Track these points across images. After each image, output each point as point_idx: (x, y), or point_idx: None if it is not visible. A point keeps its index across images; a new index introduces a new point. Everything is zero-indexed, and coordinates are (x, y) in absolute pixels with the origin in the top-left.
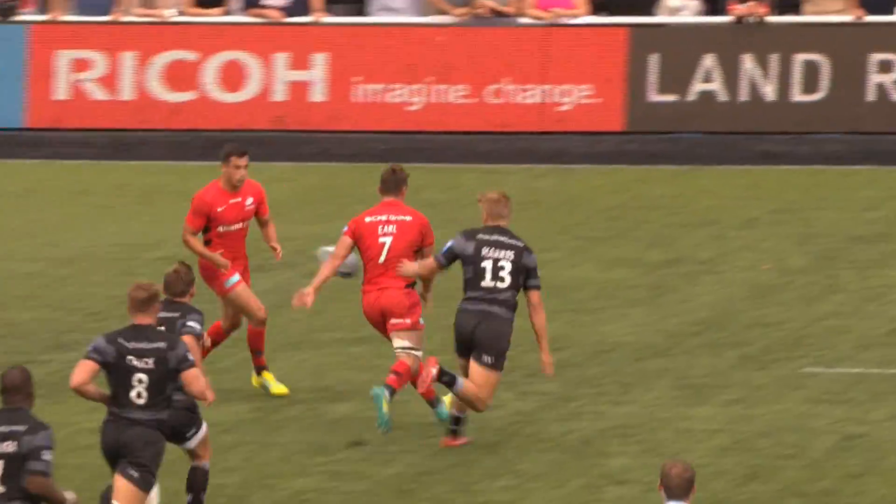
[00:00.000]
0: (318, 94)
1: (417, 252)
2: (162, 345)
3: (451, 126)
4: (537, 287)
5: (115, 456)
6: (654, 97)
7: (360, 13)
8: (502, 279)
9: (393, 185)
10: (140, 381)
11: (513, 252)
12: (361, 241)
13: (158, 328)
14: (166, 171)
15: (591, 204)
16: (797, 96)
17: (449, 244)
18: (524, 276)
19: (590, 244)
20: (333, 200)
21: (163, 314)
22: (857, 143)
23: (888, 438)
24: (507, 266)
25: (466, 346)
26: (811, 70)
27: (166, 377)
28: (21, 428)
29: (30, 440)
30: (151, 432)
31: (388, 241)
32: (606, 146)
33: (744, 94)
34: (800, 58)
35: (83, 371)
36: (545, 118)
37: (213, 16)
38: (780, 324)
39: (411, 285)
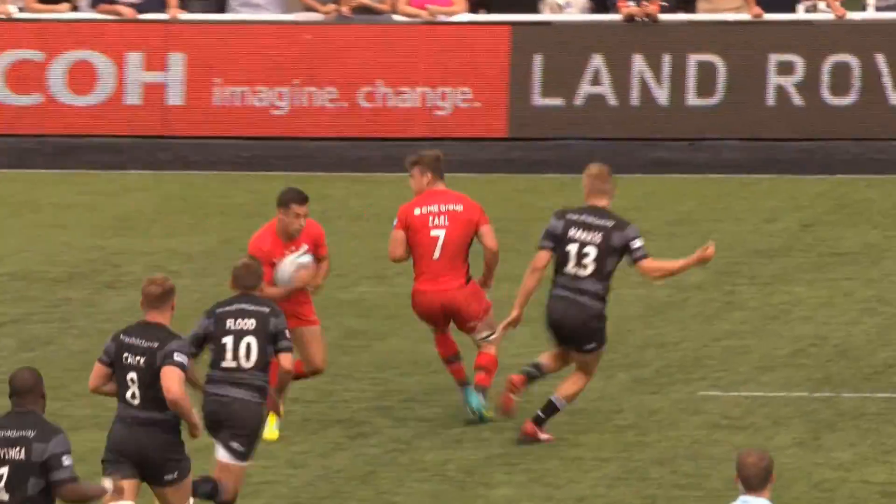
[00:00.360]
0: (175, 97)
1: (471, 242)
2: (154, 343)
3: (319, 132)
4: (641, 257)
5: (129, 458)
6: (539, 101)
7: (220, 10)
8: (584, 266)
9: (442, 171)
10: (133, 381)
11: (600, 234)
12: (411, 235)
13: (166, 327)
14: (10, 180)
15: None
16: (692, 100)
17: (545, 228)
18: (617, 257)
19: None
20: (193, 211)
21: (249, 307)
22: (756, 150)
23: (792, 466)
24: (592, 252)
25: (558, 335)
26: (706, 72)
27: (155, 378)
28: (30, 433)
29: (42, 448)
30: (175, 441)
31: (440, 233)
32: (488, 153)
33: (635, 98)
34: (694, 59)
35: (94, 375)
36: (421, 123)
37: (61, 12)
38: (676, 344)
39: (469, 278)
